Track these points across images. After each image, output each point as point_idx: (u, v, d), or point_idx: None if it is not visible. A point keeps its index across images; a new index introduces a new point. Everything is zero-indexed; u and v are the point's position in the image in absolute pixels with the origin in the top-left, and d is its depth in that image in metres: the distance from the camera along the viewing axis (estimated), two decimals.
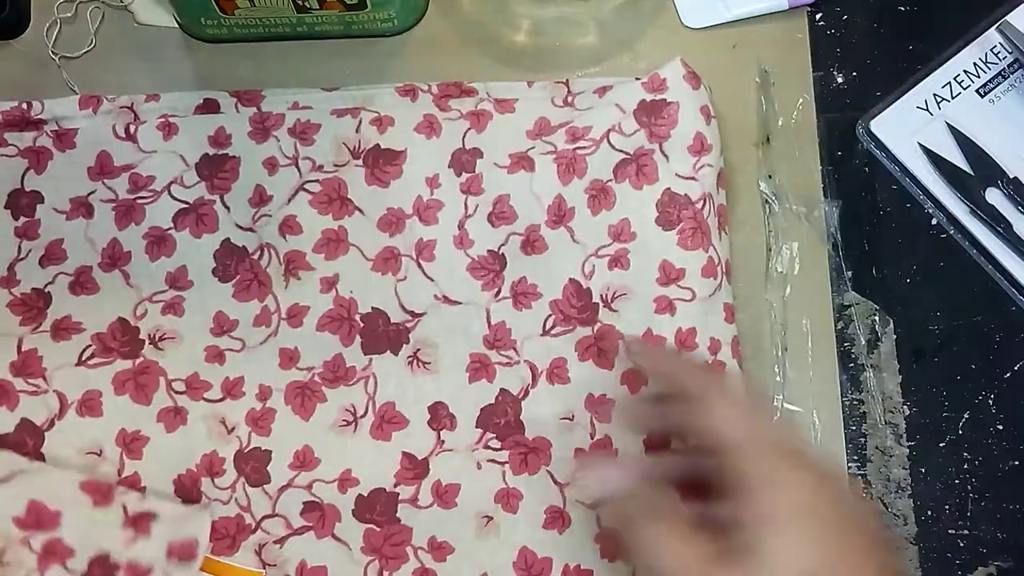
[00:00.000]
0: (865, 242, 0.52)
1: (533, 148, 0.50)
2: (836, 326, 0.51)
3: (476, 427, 0.48)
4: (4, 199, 0.49)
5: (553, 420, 0.48)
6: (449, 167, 0.50)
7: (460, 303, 0.49)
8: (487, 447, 0.48)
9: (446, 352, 0.49)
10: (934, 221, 0.53)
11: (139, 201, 0.49)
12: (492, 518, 0.47)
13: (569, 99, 0.51)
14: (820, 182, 0.52)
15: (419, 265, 0.49)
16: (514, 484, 0.48)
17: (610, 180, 0.49)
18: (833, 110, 0.53)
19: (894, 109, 0.53)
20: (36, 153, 0.49)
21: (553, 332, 0.49)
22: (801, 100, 0.53)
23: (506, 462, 0.48)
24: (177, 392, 0.48)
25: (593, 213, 0.49)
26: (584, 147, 0.49)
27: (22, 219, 0.49)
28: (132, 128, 0.50)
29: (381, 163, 0.50)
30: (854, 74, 0.54)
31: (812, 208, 0.52)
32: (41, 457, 0.46)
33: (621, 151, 0.49)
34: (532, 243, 0.49)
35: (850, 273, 0.51)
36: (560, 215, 0.49)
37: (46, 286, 0.48)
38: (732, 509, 0.38)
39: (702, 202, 0.49)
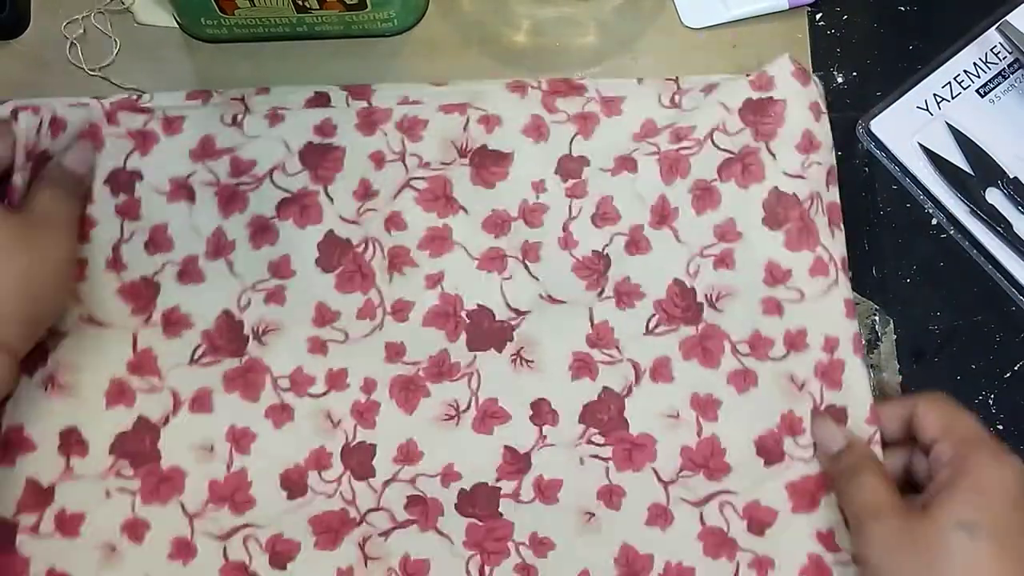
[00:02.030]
0: (865, 242, 0.52)
1: (637, 150, 0.50)
2: None
3: (579, 423, 0.48)
4: (105, 175, 0.49)
5: (658, 417, 0.48)
6: (556, 173, 0.50)
7: (564, 302, 0.49)
8: (590, 442, 0.48)
9: (549, 350, 0.49)
10: (934, 221, 0.53)
11: (241, 188, 0.49)
12: (594, 514, 0.47)
13: (676, 99, 0.51)
14: None
15: (525, 265, 0.49)
16: (617, 481, 0.47)
17: (715, 179, 0.49)
18: (833, 110, 0.53)
19: (894, 109, 0.53)
20: (143, 135, 0.49)
21: (657, 331, 0.49)
22: None
23: (609, 458, 0.47)
24: (283, 389, 0.48)
25: (697, 213, 0.49)
26: (688, 147, 0.49)
27: (122, 196, 0.49)
28: (240, 117, 0.50)
29: (488, 164, 0.50)
30: (854, 74, 0.54)
31: None
32: (157, 453, 0.47)
33: (726, 150, 0.49)
34: (636, 243, 0.49)
35: (850, 273, 0.51)
36: (664, 215, 0.49)
37: (155, 275, 0.49)
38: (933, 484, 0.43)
39: (810, 201, 0.49)
